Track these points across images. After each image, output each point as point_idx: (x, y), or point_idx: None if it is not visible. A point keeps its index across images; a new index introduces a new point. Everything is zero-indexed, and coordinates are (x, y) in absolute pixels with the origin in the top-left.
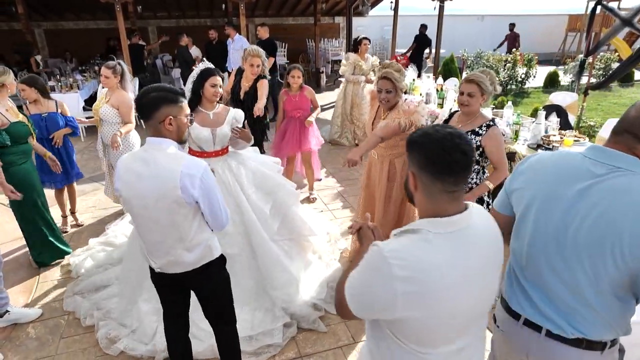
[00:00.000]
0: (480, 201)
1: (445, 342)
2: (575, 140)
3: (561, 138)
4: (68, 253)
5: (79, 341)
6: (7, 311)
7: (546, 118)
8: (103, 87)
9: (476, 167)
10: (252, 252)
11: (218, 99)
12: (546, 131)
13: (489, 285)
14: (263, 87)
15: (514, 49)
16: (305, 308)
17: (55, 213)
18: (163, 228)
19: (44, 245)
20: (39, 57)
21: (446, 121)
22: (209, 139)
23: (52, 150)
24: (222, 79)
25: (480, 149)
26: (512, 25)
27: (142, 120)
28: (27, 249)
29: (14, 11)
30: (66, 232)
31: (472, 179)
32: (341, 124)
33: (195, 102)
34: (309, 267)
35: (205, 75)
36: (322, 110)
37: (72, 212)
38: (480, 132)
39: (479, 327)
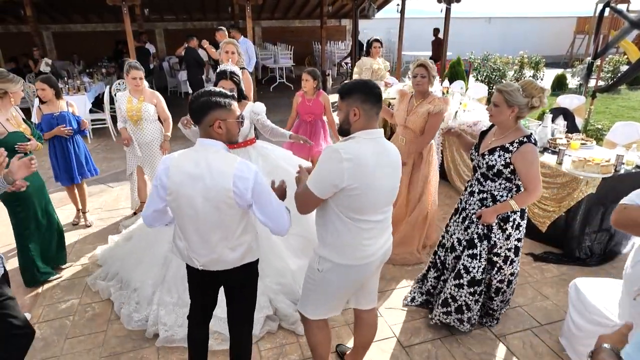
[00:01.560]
0: (505, 220)
1: (370, 213)
2: (582, 144)
3: (568, 141)
4: (52, 275)
5: (84, 342)
6: None
7: (553, 121)
8: (120, 90)
9: (507, 184)
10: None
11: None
12: (553, 134)
13: (395, 184)
14: (247, 78)
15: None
16: (289, 307)
17: (65, 212)
18: (210, 227)
19: (28, 265)
20: (48, 60)
21: (484, 133)
22: None
23: (60, 148)
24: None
25: (511, 167)
26: (436, 31)
27: (195, 124)
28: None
29: (22, 14)
30: (76, 223)
31: (502, 197)
32: None
33: None
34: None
35: (218, 77)
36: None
37: (83, 212)
38: (511, 148)
39: (389, 209)
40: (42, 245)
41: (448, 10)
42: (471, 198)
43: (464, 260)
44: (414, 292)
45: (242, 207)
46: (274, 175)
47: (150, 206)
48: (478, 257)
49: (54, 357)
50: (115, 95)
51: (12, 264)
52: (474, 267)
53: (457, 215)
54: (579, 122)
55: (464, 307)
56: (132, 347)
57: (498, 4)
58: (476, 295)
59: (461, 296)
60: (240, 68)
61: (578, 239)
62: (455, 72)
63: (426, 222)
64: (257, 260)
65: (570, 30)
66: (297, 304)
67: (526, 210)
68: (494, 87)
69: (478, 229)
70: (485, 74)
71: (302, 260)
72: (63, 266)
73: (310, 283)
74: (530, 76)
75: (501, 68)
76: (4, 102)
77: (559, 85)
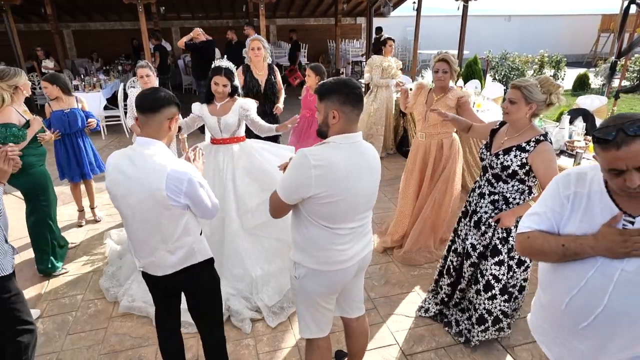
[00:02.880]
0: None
1: (344, 221)
2: None
3: (586, 144)
4: (57, 268)
5: (84, 338)
6: None
7: (571, 123)
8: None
9: (520, 186)
10: (222, 239)
11: (223, 95)
12: (570, 136)
13: (372, 189)
14: (278, 73)
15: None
16: (242, 305)
17: (70, 209)
18: (147, 228)
19: (36, 249)
20: (49, 63)
21: (494, 131)
22: (215, 127)
23: (70, 144)
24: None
25: (527, 167)
26: (378, 30)
27: (144, 115)
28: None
29: (43, 12)
30: (81, 225)
31: (515, 199)
32: (366, 134)
33: (211, 94)
34: (285, 272)
35: (212, 73)
36: None
37: (91, 208)
38: (528, 147)
39: (366, 216)
40: (58, 237)
41: (465, 8)
42: (482, 200)
43: (492, 270)
44: (428, 303)
45: (178, 208)
46: (254, 175)
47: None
48: (503, 263)
49: (55, 353)
50: (128, 92)
51: (27, 257)
52: (503, 275)
53: (468, 219)
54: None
55: (501, 316)
56: (131, 345)
57: (518, 1)
58: (509, 301)
59: (496, 307)
60: (269, 64)
61: None
62: (472, 71)
63: (444, 223)
64: (208, 262)
65: (594, 28)
66: (250, 306)
67: None
68: (511, 83)
69: (498, 233)
70: (503, 73)
71: (274, 264)
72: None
73: (294, 295)
74: (550, 76)
75: (520, 67)
76: (17, 95)
77: (581, 86)
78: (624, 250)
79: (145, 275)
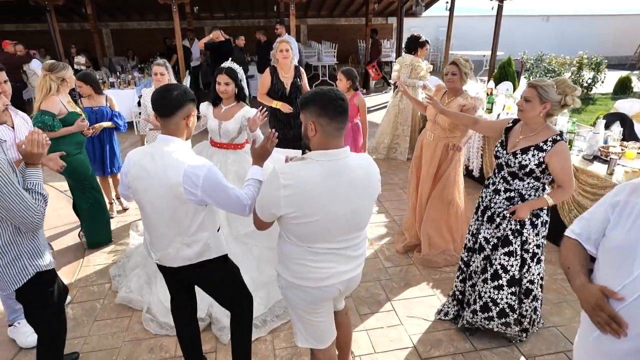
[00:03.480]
0: (536, 216)
1: (322, 241)
2: (639, 153)
3: (622, 150)
4: (110, 241)
5: (110, 325)
6: (14, 325)
7: (608, 127)
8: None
9: (536, 184)
10: None
11: (227, 95)
12: (605, 142)
13: (356, 209)
14: (305, 76)
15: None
16: (223, 313)
17: None
18: (165, 221)
19: (92, 226)
20: (81, 59)
21: (508, 129)
22: (215, 130)
23: (98, 141)
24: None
25: (544, 166)
26: (373, 32)
27: (161, 118)
28: (76, 232)
29: (84, 12)
30: (112, 217)
31: (530, 195)
32: (392, 135)
33: (218, 96)
34: (275, 283)
35: (215, 73)
36: (368, 112)
37: (118, 198)
38: (545, 147)
39: (354, 237)
40: (100, 218)
41: (500, 8)
42: (496, 196)
43: (500, 259)
44: (447, 306)
45: (195, 203)
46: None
47: (121, 189)
48: (514, 254)
49: (82, 337)
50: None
51: (60, 246)
52: (511, 265)
53: (481, 215)
54: None
55: (507, 309)
56: (153, 334)
57: (556, 1)
58: (518, 295)
59: (502, 298)
60: (296, 66)
61: None
62: (505, 73)
63: (459, 223)
64: (222, 258)
65: (638, 29)
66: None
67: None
68: (527, 82)
69: (511, 224)
70: (538, 75)
71: (265, 274)
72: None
73: (287, 304)
74: (589, 78)
75: (556, 69)
76: (63, 87)
77: (623, 89)
78: (591, 316)
79: (162, 267)
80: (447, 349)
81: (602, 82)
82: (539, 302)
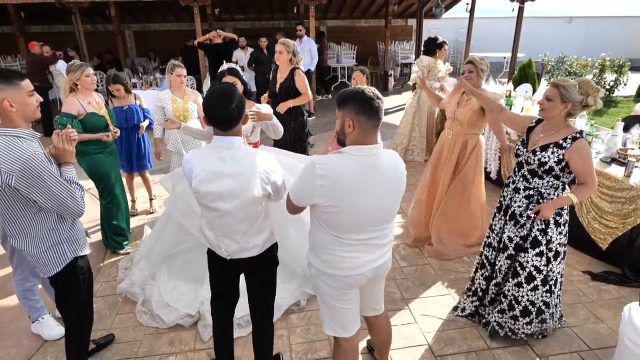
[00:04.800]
0: (559, 214)
1: (353, 232)
2: None
3: None
4: (121, 247)
5: (131, 318)
6: (37, 321)
7: (627, 130)
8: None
9: (555, 182)
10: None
11: None
12: (624, 144)
13: (385, 204)
14: (300, 78)
15: None
16: (209, 311)
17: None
18: (240, 218)
19: (103, 228)
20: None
21: (530, 129)
22: None
23: (127, 138)
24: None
25: (563, 163)
26: (321, 36)
27: (226, 131)
28: (99, 231)
29: (108, 14)
30: (135, 215)
31: (549, 194)
32: (409, 137)
33: None
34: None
35: (218, 77)
36: (386, 113)
37: (150, 199)
38: (565, 144)
39: (383, 228)
40: (114, 219)
41: (521, 10)
42: (516, 195)
43: (533, 261)
44: (464, 303)
45: (264, 196)
46: None
47: None
48: (544, 254)
49: (105, 330)
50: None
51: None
52: (544, 265)
53: (502, 214)
54: None
55: (543, 306)
56: (172, 328)
57: (580, 2)
58: (551, 292)
59: (538, 298)
60: (293, 68)
61: None
62: (525, 75)
63: (474, 221)
64: (277, 245)
65: None
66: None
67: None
68: (550, 82)
69: (537, 224)
70: (559, 77)
71: None
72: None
73: (315, 293)
74: (612, 81)
75: (578, 71)
76: (82, 87)
77: None
78: None
79: (221, 262)
80: (461, 347)
81: (625, 84)
82: (559, 299)
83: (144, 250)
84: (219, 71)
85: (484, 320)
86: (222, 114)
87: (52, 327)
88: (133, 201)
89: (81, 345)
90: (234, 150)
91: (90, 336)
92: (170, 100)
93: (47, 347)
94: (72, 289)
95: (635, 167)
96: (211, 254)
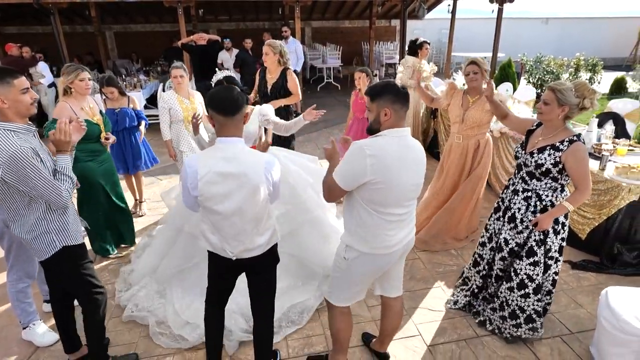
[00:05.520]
0: (556, 221)
1: (393, 206)
2: (629, 150)
3: (614, 147)
4: (110, 253)
5: (125, 322)
6: (29, 327)
7: (601, 126)
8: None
9: (553, 184)
10: None
11: None
12: (599, 139)
13: (417, 177)
14: (292, 78)
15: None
16: (237, 325)
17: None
18: (245, 219)
19: (94, 238)
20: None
21: (530, 132)
22: None
23: (119, 140)
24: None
25: (560, 166)
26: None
27: (226, 117)
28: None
29: (88, 14)
30: (133, 213)
31: (547, 196)
32: None
33: None
34: (294, 290)
35: (216, 84)
36: None
37: (139, 202)
38: (561, 147)
39: (412, 204)
40: (104, 224)
41: (500, 11)
42: (515, 197)
43: (526, 269)
44: (457, 296)
45: (268, 195)
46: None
47: (186, 200)
48: (539, 264)
49: None
50: (159, 96)
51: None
52: (537, 275)
53: (501, 214)
54: (632, 128)
55: (534, 315)
56: (166, 327)
57: (556, 4)
58: (542, 301)
59: (529, 305)
60: (285, 68)
61: (619, 248)
62: (505, 74)
63: (464, 219)
64: (277, 244)
65: (634, 32)
66: (246, 326)
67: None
68: (547, 85)
69: (535, 235)
70: (537, 77)
71: (283, 282)
72: (124, 246)
73: (336, 271)
74: (586, 79)
75: (555, 70)
76: (76, 91)
77: (618, 90)
78: None
79: (226, 263)
80: (451, 336)
81: (599, 82)
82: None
83: (147, 268)
84: (215, 81)
85: (474, 310)
86: (227, 97)
87: (44, 333)
88: (135, 200)
89: (98, 325)
90: (238, 151)
91: (105, 318)
92: (177, 102)
93: (39, 354)
94: (68, 275)
95: (609, 161)
96: (213, 257)
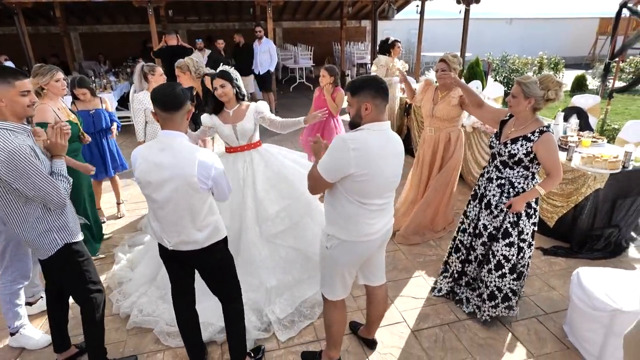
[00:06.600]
0: (529, 205)
1: (375, 197)
2: (593, 142)
3: (579, 139)
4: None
5: (113, 320)
6: (19, 332)
7: (566, 120)
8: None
9: (525, 172)
10: (237, 248)
11: (228, 98)
12: (565, 132)
13: (397, 168)
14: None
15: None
16: (250, 323)
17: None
18: (179, 211)
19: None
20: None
21: (503, 122)
22: (231, 135)
23: (95, 143)
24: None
25: (531, 155)
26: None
27: (167, 112)
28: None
29: (52, 15)
30: (103, 222)
31: (520, 183)
32: None
33: (217, 103)
34: (300, 284)
35: (211, 77)
36: (343, 113)
37: (117, 204)
38: (533, 137)
39: (392, 194)
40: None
41: (467, 12)
42: (490, 184)
43: (502, 250)
44: (440, 283)
45: (206, 191)
46: (273, 182)
47: None
48: (513, 245)
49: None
50: (132, 98)
51: None
52: (512, 255)
53: (478, 201)
54: (594, 121)
55: (510, 294)
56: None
57: (519, 5)
58: (519, 279)
59: (505, 285)
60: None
61: (586, 234)
62: (474, 73)
63: (443, 210)
64: (224, 241)
65: (592, 32)
66: (259, 323)
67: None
68: (514, 80)
69: (509, 217)
70: (503, 75)
71: (290, 275)
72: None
73: (322, 263)
74: None
75: (520, 69)
76: (49, 94)
77: (579, 87)
78: None
79: (170, 254)
80: (434, 321)
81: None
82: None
83: (146, 277)
84: (211, 74)
85: (457, 297)
86: (168, 94)
87: (35, 337)
88: (99, 209)
89: (98, 324)
90: (175, 144)
91: (104, 315)
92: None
93: (25, 356)
94: (69, 272)
95: (575, 151)
96: (158, 245)
